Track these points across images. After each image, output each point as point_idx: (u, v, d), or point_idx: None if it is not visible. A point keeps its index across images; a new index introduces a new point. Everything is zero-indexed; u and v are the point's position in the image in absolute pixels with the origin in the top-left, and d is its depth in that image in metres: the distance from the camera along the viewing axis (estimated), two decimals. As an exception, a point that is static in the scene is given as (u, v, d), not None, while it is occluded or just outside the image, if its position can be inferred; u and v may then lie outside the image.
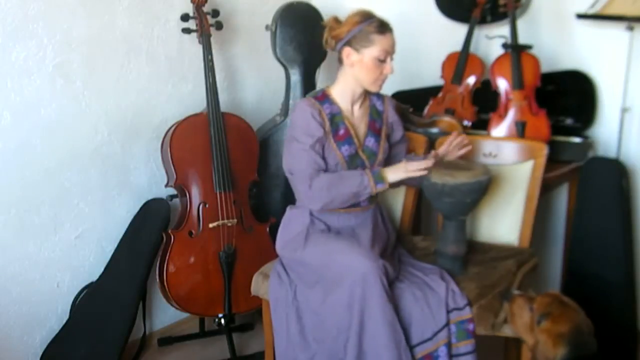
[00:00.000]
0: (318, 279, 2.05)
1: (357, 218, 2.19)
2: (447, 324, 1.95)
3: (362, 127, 2.19)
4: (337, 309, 1.95)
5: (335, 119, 2.14)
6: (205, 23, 2.68)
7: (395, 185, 2.13)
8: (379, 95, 2.27)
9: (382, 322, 1.89)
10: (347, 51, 2.10)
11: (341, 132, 2.14)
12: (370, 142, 2.19)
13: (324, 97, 2.16)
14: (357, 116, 2.19)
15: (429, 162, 2.02)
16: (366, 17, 2.07)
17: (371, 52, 2.06)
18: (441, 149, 2.17)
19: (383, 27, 2.07)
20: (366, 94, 2.22)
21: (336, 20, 2.14)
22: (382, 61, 2.08)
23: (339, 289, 1.95)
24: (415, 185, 2.33)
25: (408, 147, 2.36)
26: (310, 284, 2.07)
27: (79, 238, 2.62)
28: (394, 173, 2.07)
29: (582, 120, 2.80)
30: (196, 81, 2.87)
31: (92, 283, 2.65)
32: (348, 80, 2.15)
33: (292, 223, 2.21)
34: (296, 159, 2.11)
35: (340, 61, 2.15)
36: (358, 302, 1.90)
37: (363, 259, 1.94)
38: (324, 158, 2.11)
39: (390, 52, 2.09)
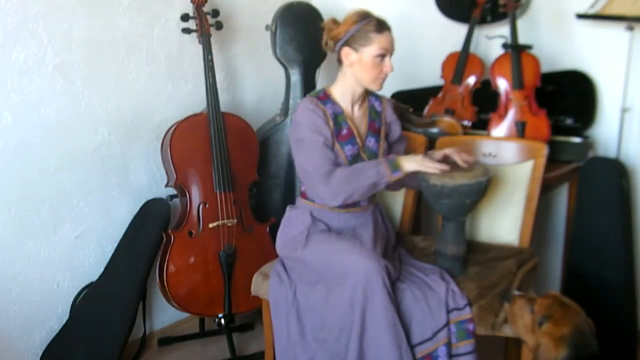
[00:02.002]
0: (319, 279, 2.05)
1: (358, 218, 2.19)
2: (447, 324, 1.95)
3: (362, 128, 2.19)
4: (339, 309, 1.95)
5: (339, 118, 2.14)
6: (205, 23, 2.68)
7: (400, 185, 2.10)
8: (377, 96, 2.27)
9: (384, 322, 1.89)
10: (345, 51, 2.10)
11: (344, 132, 2.14)
12: (371, 142, 2.19)
13: (326, 97, 2.16)
14: (357, 116, 2.19)
15: (444, 167, 2.02)
16: (364, 17, 2.08)
17: (370, 50, 2.06)
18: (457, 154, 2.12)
19: (381, 26, 2.07)
20: (365, 94, 2.22)
21: (334, 21, 2.14)
22: (381, 59, 2.08)
23: (341, 289, 1.95)
24: (413, 187, 2.33)
25: (407, 147, 2.36)
26: (311, 283, 2.07)
27: (79, 238, 2.62)
28: (409, 163, 2.03)
29: (582, 120, 2.80)
30: (196, 81, 2.87)
31: (92, 283, 2.65)
32: (348, 81, 2.15)
33: (292, 223, 2.21)
34: (309, 157, 2.08)
35: (339, 62, 2.15)
36: (360, 303, 1.90)
37: (366, 259, 1.94)
38: None
39: (389, 50, 2.08)
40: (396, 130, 2.30)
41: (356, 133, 2.15)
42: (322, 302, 2.01)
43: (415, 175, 2.07)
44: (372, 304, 1.90)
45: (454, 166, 2.08)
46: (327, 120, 2.10)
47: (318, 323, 2.02)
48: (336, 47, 2.12)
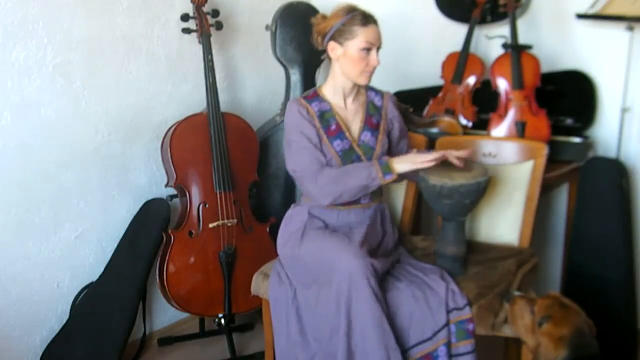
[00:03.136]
0: (314, 278, 2.05)
1: (357, 216, 2.19)
2: (447, 324, 1.95)
3: (356, 122, 2.19)
4: (328, 309, 1.95)
5: (325, 115, 2.14)
6: (205, 23, 2.68)
7: (401, 178, 2.09)
8: (377, 91, 2.27)
9: (370, 322, 1.88)
10: (331, 45, 2.11)
11: (332, 127, 2.14)
12: (367, 136, 2.18)
13: (314, 96, 2.18)
14: (350, 110, 2.19)
15: (437, 155, 2.01)
16: (349, 10, 2.08)
17: (354, 44, 2.06)
18: (450, 153, 2.10)
19: (366, 19, 2.07)
20: (360, 88, 2.22)
21: (323, 17, 2.15)
22: (366, 53, 2.07)
23: (328, 287, 1.96)
24: (415, 180, 2.33)
25: (409, 143, 2.35)
26: (306, 284, 2.07)
27: (79, 238, 2.62)
28: (402, 163, 2.04)
29: (582, 120, 2.80)
30: (196, 81, 2.87)
31: (92, 283, 2.65)
32: (337, 76, 2.15)
33: (291, 221, 2.22)
34: (297, 158, 2.11)
35: (328, 57, 2.16)
36: (345, 301, 1.90)
37: (351, 257, 1.93)
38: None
39: (374, 43, 2.08)
40: (397, 126, 2.29)
41: (345, 128, 2.15)
42: (315, 302, 2.01)
43: (415, 174, 2.07)
44: (356, 303, 1.89)
45: (453, 166, 2.08)
46: (312, 118, 2.12)
47: (316, 323, 2.03)
48: (324, 42, 2.13)
